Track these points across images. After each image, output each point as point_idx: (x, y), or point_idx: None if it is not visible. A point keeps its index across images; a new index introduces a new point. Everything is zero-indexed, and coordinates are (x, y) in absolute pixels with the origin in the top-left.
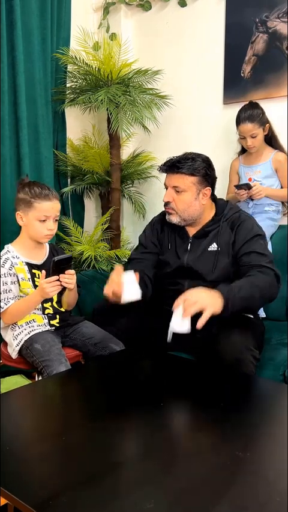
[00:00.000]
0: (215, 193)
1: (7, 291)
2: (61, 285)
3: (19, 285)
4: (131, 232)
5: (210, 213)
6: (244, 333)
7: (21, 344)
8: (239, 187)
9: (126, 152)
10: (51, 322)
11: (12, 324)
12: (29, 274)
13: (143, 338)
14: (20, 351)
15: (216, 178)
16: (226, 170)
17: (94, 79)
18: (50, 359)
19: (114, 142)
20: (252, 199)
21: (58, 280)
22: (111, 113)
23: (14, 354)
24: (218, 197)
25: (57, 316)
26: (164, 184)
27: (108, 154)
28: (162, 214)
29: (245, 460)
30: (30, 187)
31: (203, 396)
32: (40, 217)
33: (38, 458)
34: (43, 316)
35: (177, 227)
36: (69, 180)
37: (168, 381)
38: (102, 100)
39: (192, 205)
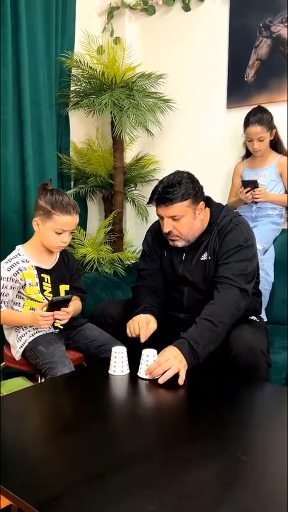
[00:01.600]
0: (214, 197)
1: (4, 294)
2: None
3: (25, 291)
4: (134, 234)
5: (204, 223)
6: (260, 339)
7: (25, 345)
8: (246, 182)
9: (129, 156)
10: (55, 324)
11: (16, 326)
12: (37, 279)
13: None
14: (23, 353)
15: (202, 187)
16: (229, 174)
17: (98, 83)
18: (54, 361)
19: (118, 145)
20: (256, 203)
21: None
22: (115, 117)
23: (17, 356)
24: (220, 200)
25: None
26: (157, 214)
27: (112, 157)
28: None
29: (248, 462)
30: (53, 196)
31: (204, 398)
32: (57, 230)
33: (41, 459)
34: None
35: None
36: (72, 183)
37: (170, 383)
38: (106, 103)
39: (194, 226)
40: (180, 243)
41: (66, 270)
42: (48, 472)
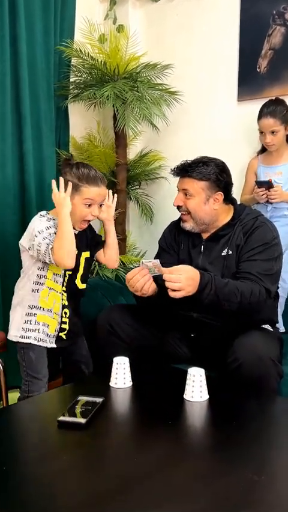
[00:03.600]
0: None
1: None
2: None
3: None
4: (138, 236)
5: (226, 217)
6: (269, 346)
7: (25, 336)
8: (260, 183)
9: (133, 152)
10: (60, 334)
11: (30, 313)
12: None
13: (151, 346)
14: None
15: (231, 183)
16: (242, 170)
17: (100, 73)
18: (38, 377)
19: (121, 140)
20: (271, 203)
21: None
22: (117, 110)
23: (11, 334)
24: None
25: (68, 328)
26: (177, 187)
27: (114, 153)
28: (179, 218)
29: (260, 483)
30: (79, 169)
31: (214, 414)
32: (87, 202)
33: (41, 478)
34: (57, 324)
35: (192, 232)
36: None
37: (175, 397)
38: (108, 95)
39: (202, 210)
40: (188, 225)
41: (86, 236)
42: (43, 492)
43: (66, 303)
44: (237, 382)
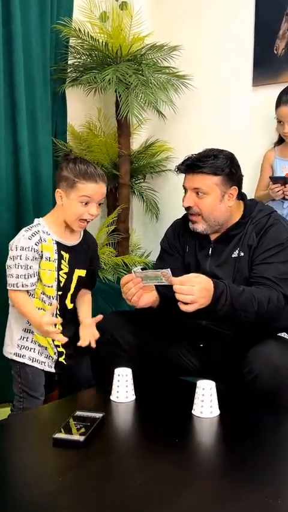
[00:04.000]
0: (244, 191)
1: (27, 267)
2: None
3: (39, 265)
4: (142, 235)
5: (236, 215)
6: (287, 356)
7: (19, 354)
8: (274, 179)
9: (137, 142)
10: (60, 359)
11: (27, 329)
12: (56, 255)
13: (156, 357)
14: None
15: (242, 176)
16: (255, 164)
17: (101, 55)
18: (35, 396)
19: (123, 129)
20: (287, 199)
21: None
22: (120, 96)
23: (8, 349)
24: (247, 193)
25: (64, 352)
26: (183, 187)
27: (116, 143)
28: (185, 217)
29: (276, 508)
30: (76, 165)
31: (225, 431)
32: (83, 199)
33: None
34: (54, 351)
35: (199, 233)
36: None
37: (183, 413)
38: (109, 79)
39: (218, 209)
40: (200, 226)
41: (85, 253)
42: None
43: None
44: (252, 395)
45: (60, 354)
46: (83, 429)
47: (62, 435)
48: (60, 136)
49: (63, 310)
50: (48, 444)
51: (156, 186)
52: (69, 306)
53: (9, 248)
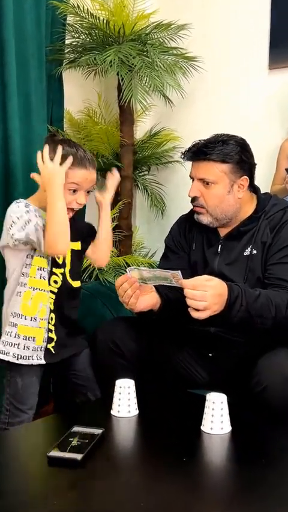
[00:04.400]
0: (256, 183)
1: (35, 223)
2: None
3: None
4: (146, 233)
5: (248, 209)
6: None
7: (3, 351)
8: None
9: (141, 130)
10: (48, 346)
11: (12, 322)
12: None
13: (162, 368)
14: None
15: (255, 165)
16: (273, 154)
17: (101, 34)
18: (22, 409)
19: (126, 116)
20: None
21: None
22: (122, 79)
23: None
24: (262, 188)
25: (55, 339)
26: (190, 176)
27: (118, 131)
28: (192, 212)
29: None
30: (63, 148)
31: (237, 449)
32: (70, 187)
33: None
34: (44, 333)
35: (207, 226)
36: None
37: (191, 429)
38: (111, 61)
39: (225, 200)
40: (205, 218)
41: (75, 227)
42: None
43: (53, 307)
44: (261, 409)
45: (49, 340)
46: (81, 447)
47: (57, 453)
48: (57, 124)
49: (67, 290)
50: (42, 463)
51: (162, 179)
52: (74, 284)
53: (5, 221)
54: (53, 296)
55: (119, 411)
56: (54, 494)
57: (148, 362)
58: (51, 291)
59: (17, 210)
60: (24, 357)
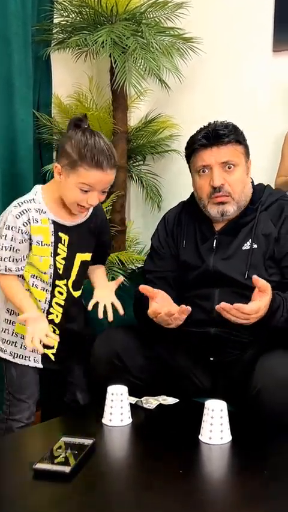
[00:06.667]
0: (258, 175)
1: (14, 250)
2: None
3: (30, 249)
4: (141, 227)
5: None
6: None
7: (1, 348)
8: None
9: (135, 117)
10: (45, 351)
11: (8, 320)
12: (52, 238)
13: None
14: None
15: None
16: (275, 145)
17: (92, 13)
18: (21, 398)
19: (120, 101)
20: None
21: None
22: (115, 61)
23: None
24: (266, 180)
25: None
26: (202, 166)
27: (111, 118)
28: (180, 206)
29: None
30: (85, 138)
31: (238, 460)
32: (82, 187)
33: None
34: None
35: (198, 219)
36: (54, 153)
37: (188, 439)
38: (103, 42)
39: (246, 183)
40: (231, 208)
41: (91, 233)
42: None
43: (59, 320)
44: (257, 414)
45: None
46: (69, 459)
47: (44, 465)
48: (44, 109)
49: (68, 299)
50: (28, 476)
51: (158, 169)
52: (75, 294)
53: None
54: (61, 310)
55: (110, 420)
56: (41, 509)
57: (155, 373)
58: (57, 303)
59: (6, 218)
60: (21, 357)
